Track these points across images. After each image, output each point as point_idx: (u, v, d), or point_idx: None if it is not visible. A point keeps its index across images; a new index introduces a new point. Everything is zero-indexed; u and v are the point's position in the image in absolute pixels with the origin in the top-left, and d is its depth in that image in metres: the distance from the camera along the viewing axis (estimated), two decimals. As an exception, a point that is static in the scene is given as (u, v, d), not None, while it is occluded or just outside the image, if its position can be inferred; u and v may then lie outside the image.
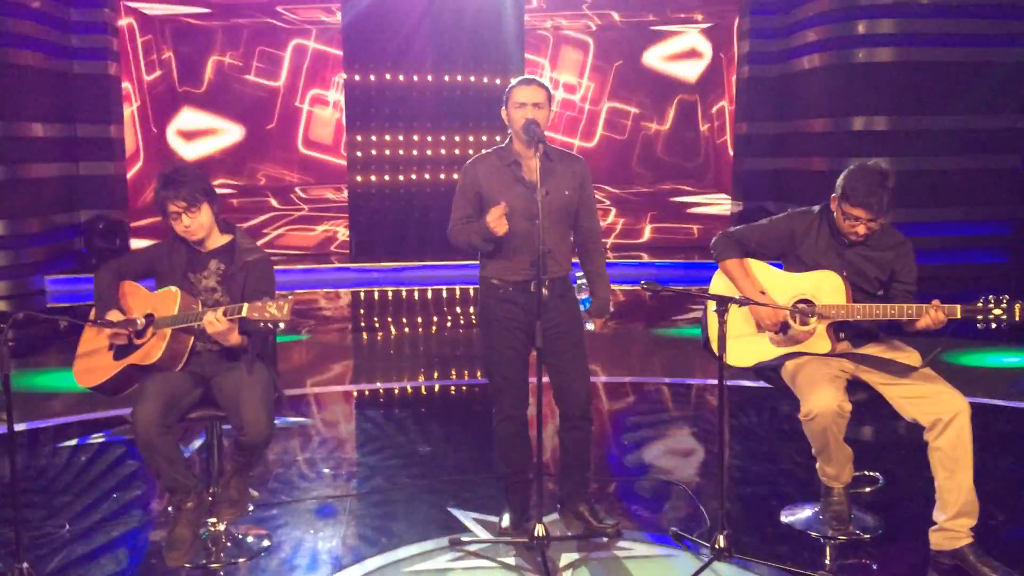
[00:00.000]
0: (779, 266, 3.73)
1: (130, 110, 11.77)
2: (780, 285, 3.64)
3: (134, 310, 3.42)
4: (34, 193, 9.95)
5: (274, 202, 13.51)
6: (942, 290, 3.42)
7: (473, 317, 8.87)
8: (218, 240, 3.49)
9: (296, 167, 13.80)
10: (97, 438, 4.97)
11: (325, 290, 10.27)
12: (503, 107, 3.55)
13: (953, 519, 3.30)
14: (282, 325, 3.06)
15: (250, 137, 13.68)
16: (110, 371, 3.36)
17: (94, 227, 10.83)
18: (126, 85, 11.61)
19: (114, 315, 3.36)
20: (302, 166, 13.80)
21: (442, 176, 12.17)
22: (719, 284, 3.74)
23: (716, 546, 3.25)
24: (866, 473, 3.97)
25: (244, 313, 3.09)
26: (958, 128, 10.20)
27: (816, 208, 3.68)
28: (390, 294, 10.21)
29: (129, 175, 11.58)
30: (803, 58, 11.17)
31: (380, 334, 8.36)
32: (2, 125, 9.40)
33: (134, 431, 3.16)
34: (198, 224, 3.38)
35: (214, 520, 3.45)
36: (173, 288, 3.37)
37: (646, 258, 11.45)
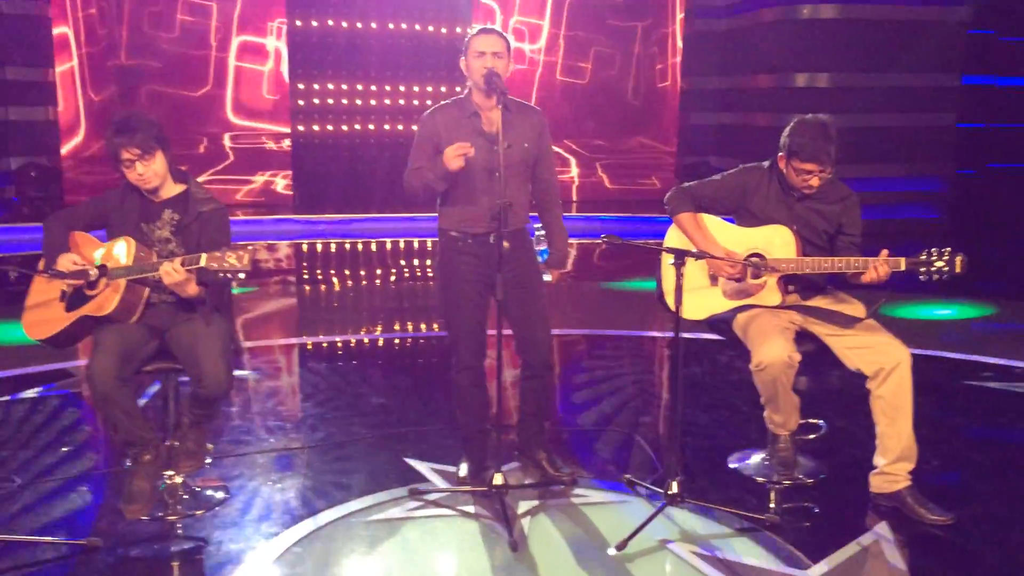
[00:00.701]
0: (731, 220, 3.81)
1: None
2: (732, 239, 3.71)
3: (85, 260, 3.33)
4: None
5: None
6: (878, 245, 3.53)
7: (419, 270, 8.87)
8: (172, 189, 3.41)
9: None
10: (29, 393, 4.86)
11: (270, 242, 10.13)
12: (462, 56, 3.52)
13: (893, 463, 3.46)
14: (242, 276, 3.02)
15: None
16: (62, 323, 3.29)
17: (26, 175, 10.45)
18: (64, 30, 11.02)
19: (66, 260, 3.27)
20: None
21: (386, 127, 12.02)
22: (673, 238, 3.81)
23: (668, 492, 3.36)
24: (810, 421, 4.12)
25: (203, 263, 3.04)
26: (896, 86, 10.43)
27: (766, 163, 3.75)
28: (333, 246, 10.11)
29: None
30: (750, 13, 11.25)
31: (326, 286, 8.30)
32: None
33: (90, 384, 3.11)
34: (152, 172, 3.30)
35: (171, 472, 3.43)
36: (127, 238, 3.30)
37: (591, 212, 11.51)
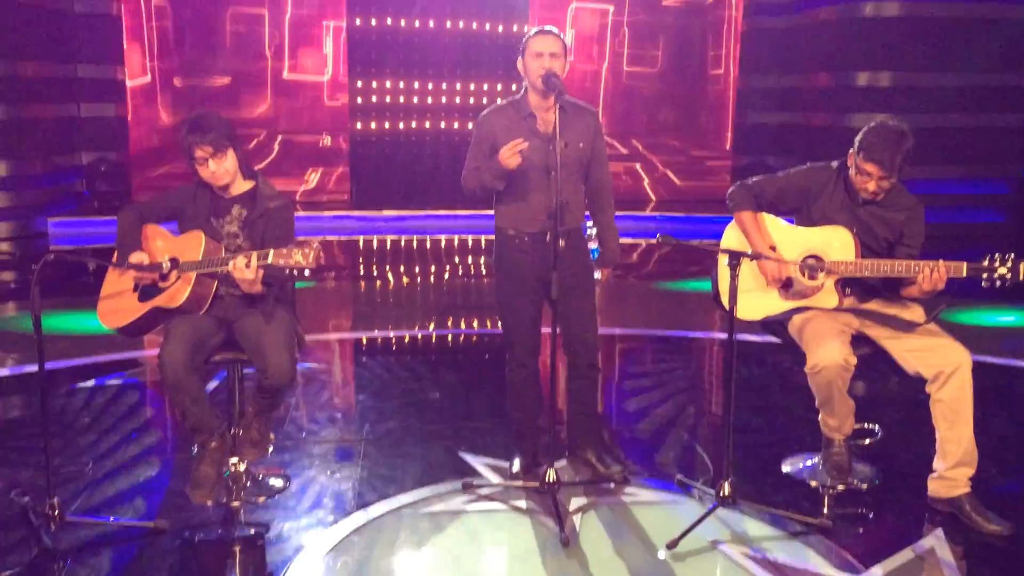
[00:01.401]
0: (791, 220, 3.79)
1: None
2: (791, 239, 3.70)
3: (157, 253, 3.47)
4: (35, 134, 9.91)
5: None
6: (941, 248, 3.49)
7: (474, 267, 8.95)
8: (241, 186, 3.53)
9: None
10: (113, 381, 5.06)
11: (328, 237, 10.31)
12: (519, 57, 3.57)
13: (953, 468, 3.42)
14: (307, 272, 3.11)
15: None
16: (135, 313, 3.43)
17: (96, 169, 10.81)
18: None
19: (138, 257, 3.42)
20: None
21: (442, 125, 12.13)
22: (731, 237, 3.81)
23: (720, 493, 3.37)
24: (865, 426, 4.09)
25: (270, 259, 3.15)
26: (962, 85, 10.19)
27: (835, 164, 3.72)
28: (389, 243, 10.25)
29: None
30: (809, 11, 11.09)
31: (382, 282, 8.43)
32: (2, 64, 9.32)
33: (161, 371, 3.25)
34: (224, 169, 3.42)
35: (235, 460, 3.55)
36: (198, 232, 3.42)
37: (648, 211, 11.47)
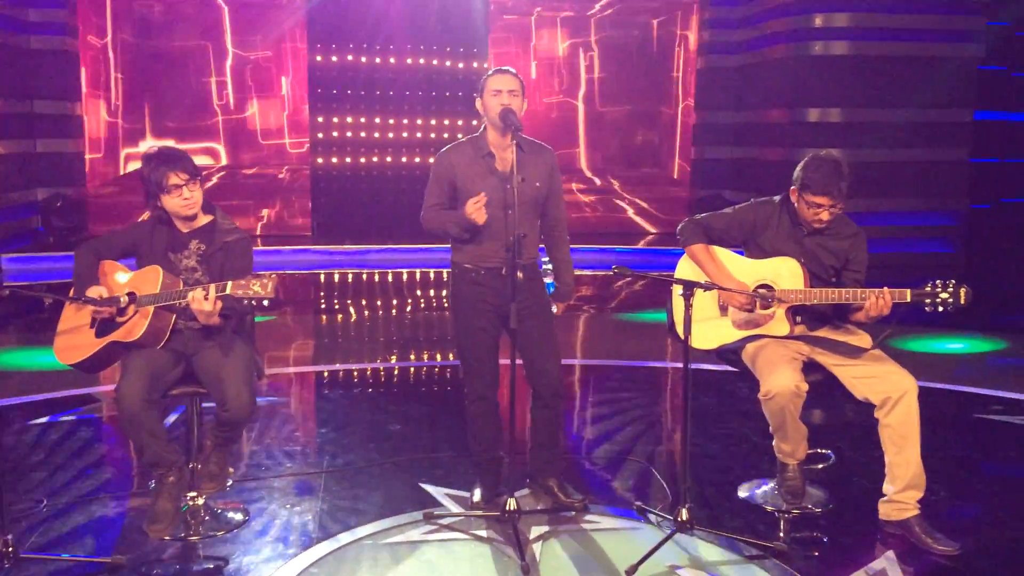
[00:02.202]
0: (740, 253, 3.90)
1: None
2: (742, 271, 3.81)
3: (114, 288, 3.47)
4: (-10, 170, 9.80)
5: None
6: (891, 278, 3.61)
7: (435, 300, 8.98)
8: (200, 220, 3.55)
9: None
10: (67, 417, 4.99)
11: (289, 272, 10.28)
12: (478, 96, 3.65)
13: (902, 491, 3.51)
14: (266, 302, 3.14)
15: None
16: (92, 348, 3.41)
17: (51, 205, 10.69)
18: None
19: (95, 291, 3.41)
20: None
21: (403, 159, 12.23)
22: (685, 269, 3.90)
23: (678, 519, 3.42)
24: (818, 451, 4.18)
25: (228, 290, 3.16)
26: (909, 121, 10.54)
27: (777, 198, 3.85)
28: (350, 277, 10.25)
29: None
30: (762, 49, 11.42)
31: (342, 316, 8.42)
32: (-42, 100, 9.24)
33: (119, 406, 3.23)
34: (196, 198, 3.44)
35: (193, 494, 3.53)
36: (155, 267, 3.43)
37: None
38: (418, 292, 9.56)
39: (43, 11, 10.62)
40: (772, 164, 11.02)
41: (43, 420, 4.92)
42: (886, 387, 3.54)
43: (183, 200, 3.42)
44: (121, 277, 3.53)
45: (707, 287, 3.55)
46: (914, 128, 10.57)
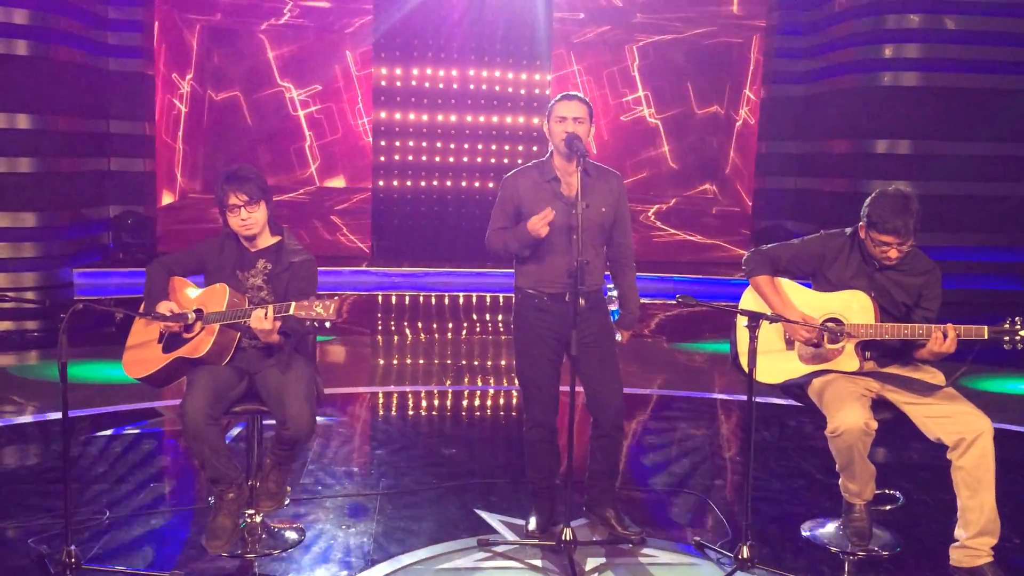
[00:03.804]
0: (808, 285, 3.82)
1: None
2: (809, 304, 3.72)
3: (183, 305, 3.53)
4: (65, 187, 10.13)
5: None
6: (961, 315, 3.50)
7: (492, 324, 8.98)
8: (267, 240, 3.61)
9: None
10: (132, 430, 5.09)
11: (347, 293, 10.39)
12: (544, 121, 3.66)
13: (975, 538, 3.37)
14: (328, 324, 3.16)
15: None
16: (159, 363, 3.47)
17: (122, 222, 11.00)
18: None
19: (165, 307, 3.48)
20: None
21: (463, 184, 12.32)
22: (749, 300, 3.83)
23: (739, 556, 3.33)
24: (886, 491, 4.04)
25: (292, 311, 3.20)
26: (979, 154, 10.27)
27: (849, 230, 3.76)
28: (407, 299, 10.32)
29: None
30: (828, 79, 11.26)
31: (399, 337, 8.47)
32: (38, 119, 9.59)
33: (182, 421, 3.28)
34: (254, 219, 3.50)
35: (252, 512, 3.56)
36: (222, 285, 3.49)
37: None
38: (474, 316, 9.58)
39: (121, 35, 10.99)
40: (836, 195, 10.83)
41: (109, 432, 5.03)
42: (960, 427, 3.41)
43: (240, 221, 3.49)
44: (190, 293, 3.59)
45: (773, 319, 3.48)
46: (986, 161, 10.29)
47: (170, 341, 3.50)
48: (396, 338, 8.48)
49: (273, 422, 3.44)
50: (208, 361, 3.42)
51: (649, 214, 12.84)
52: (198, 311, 3.45)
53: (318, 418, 5.30)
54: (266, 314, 3.24)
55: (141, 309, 3.58)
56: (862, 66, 10.57)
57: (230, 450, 3.42)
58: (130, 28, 11.03)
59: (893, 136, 10.42)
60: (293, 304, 3.23)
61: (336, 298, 3.21)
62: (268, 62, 12.37)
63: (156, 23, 11.44)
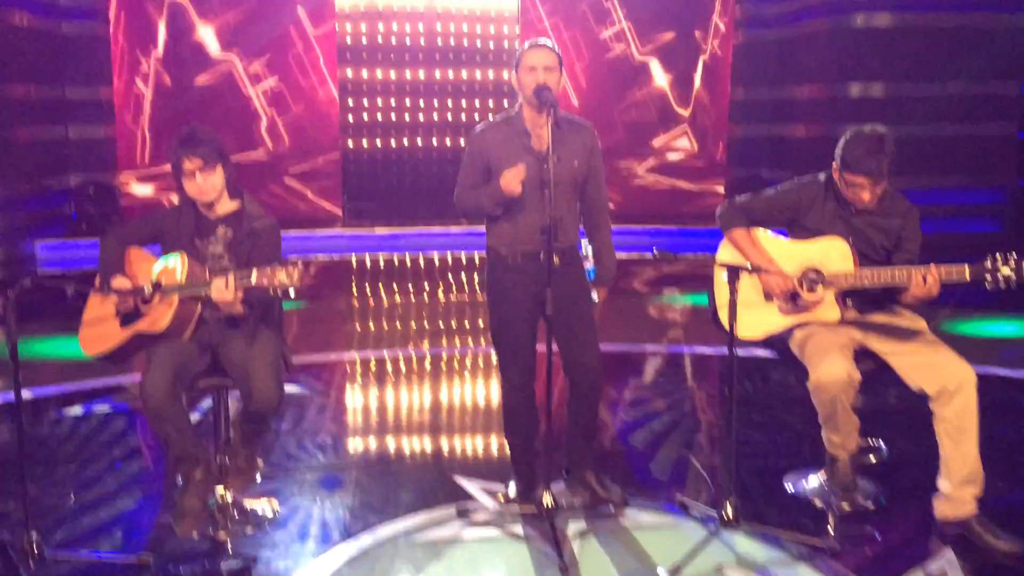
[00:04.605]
0: (784, 234, 3.72)
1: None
2: (787, 254, 3.62)
3: (140, 276, 3.38)
4: (23, 157, 9.80)
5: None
6: (937, 258, 3.42)
7: (468, 285, 8.85)
8: (227, 206, 3.44)
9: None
10: (99, 408, 4.94)
11: (319, 255, 10.21)
12: (513, 71, 3.49)
13: (958, 488, 3.33)
14: (292, 292, 3.02)
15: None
16: (117, 339, 3.33)
17: (84, 191, 10.70)
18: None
19: (120, 281, 3.32)
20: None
21: (434, 142, 12.11)
22: (725, 254, 3.73)
23: (723, 514, 3.27)
24: (869, 441, 4.00)
25: (253, 280, 3.05)
26: (955, 95, 10.18)
27: (822, 176, 3.66)
28: (382, 261, 10.16)
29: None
30: (801, 23, 11.08)
31: (374, 301, 8.33)
32: (-9, 87, 9.24)
33: (143, 400, 3.14)
34: (211, 184, 3.33)
35: (222, 489, 3.44)
36: (180, 254, 3.33)
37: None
38: (449, 277, 9.44)
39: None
40: (813, 141, 10.73)
41: (74, 411, 4.88)
42: (942, 377, 3.34)
43: (196, 186, 3.32)
44: (148, 265, 3.43)
45: (752, 271, 3.38)
46: (960, 102, 10.21)
47: (127, 315, 3.34)
48: (371, 301, 8.34)
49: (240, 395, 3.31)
50: (169, 335, 3.28)
51: (638, 169, 12.64)
52: (156, 283, 3.30)
53: (290, 388, 5.20)
54: (227, 283, 3.09)
55: (97, 283, 3.42)
56: (834, 8, 10.40)
57: (195, 427, 3.30)
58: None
59: (867, 79, 10.30)
60: (255, 272, 3.08)
61: (299, 264, 3.06)
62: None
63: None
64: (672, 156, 12.67)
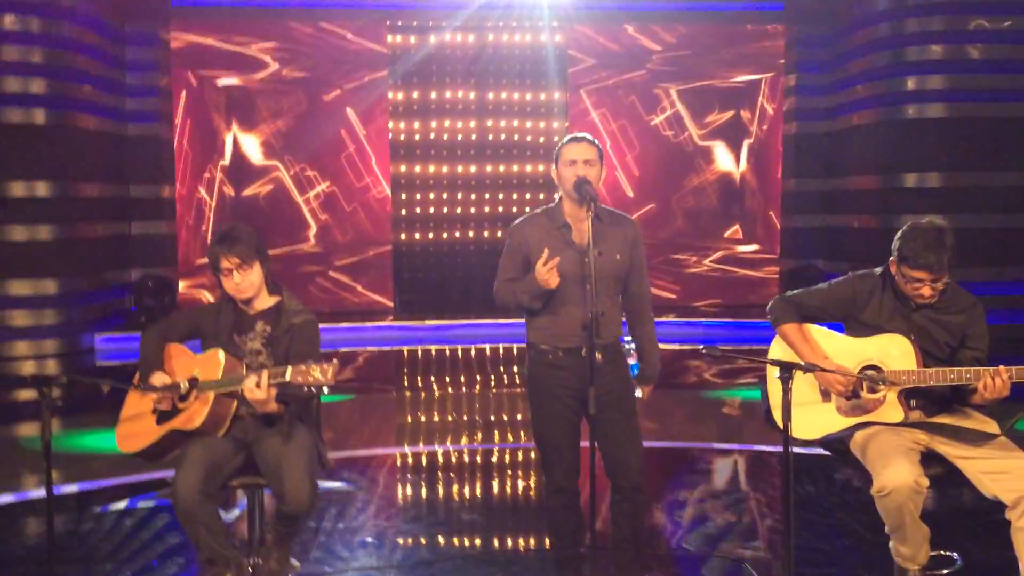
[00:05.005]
0: (840, 329, 3.56)
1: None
2: (843, 351, 3.46)
3: (178, 372, 3.36)
4: (86, 252, 10.11)
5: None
6: (996, 351, 3.25)
7: (518, 377, 8.73)
8: (266, 301, 3.43)
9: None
10: (145, 503, 4.88)
11: (370, 348, 10.21)
12: (553, 165, 3.47)
13: (1043, 605, 3.05)
14: (326, 390, 2.96)
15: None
16: (152, 436, 3.29)
17: (143, 285, 10.95)
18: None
19: (158, 378, 3.31)
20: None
21: (486, 234, 12.23)
22: (778, 351, 3.58)
23: (783, 630, 3.03)
24: (942, 553, 3.72)
25: (288, 377, 3.00)
26: (1012, 185, 9.96)
27: (878, 270, 3.52)
28: (434, 352, 10.12)
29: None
30: (852, 114, 11.04)
31: (425, 394, 8.25)
32: (59, 185, 9.60)
33: (174, 500, 3.08)
34: (248, 282, 3.33)
35: (254, 593, 3.33)
36: (218, 350, 3.30)
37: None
38: (489, 369, 9.34)
39: (139, 100, 11.06)
40: (866, 232, 10.53)
41: (118, 506, 4.83)
42: (1019, 484, 3.11)
43: (234, 284, 3.32)
44: (187, 361, 3.41)
45: (807, 369, 3.21)
46: (1017, 192, 9.96)
47: (164, 412, 3.31)
48: (422, 394, 8.25)
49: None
50: (204, 432, 3.23)
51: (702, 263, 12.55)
52: (192, 380, 3.27)
53: (334, 484, 5.10)
54: (258, 382, 3.04)
55: (136, 379, 3.41)
56: (885, 99, 10.35)
57: (228, 528, 3.21)
58: (147, 93, 11.09)
59: (921, 169, 10.14)
60: (289, 369, 3.03)
61: (334, 361, 3.01)
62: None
63: (173, 88, 11.50)
64: (741, 249, 12.60)
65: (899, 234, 3.36)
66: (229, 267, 3.30)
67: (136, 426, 3.36)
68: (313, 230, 12.21)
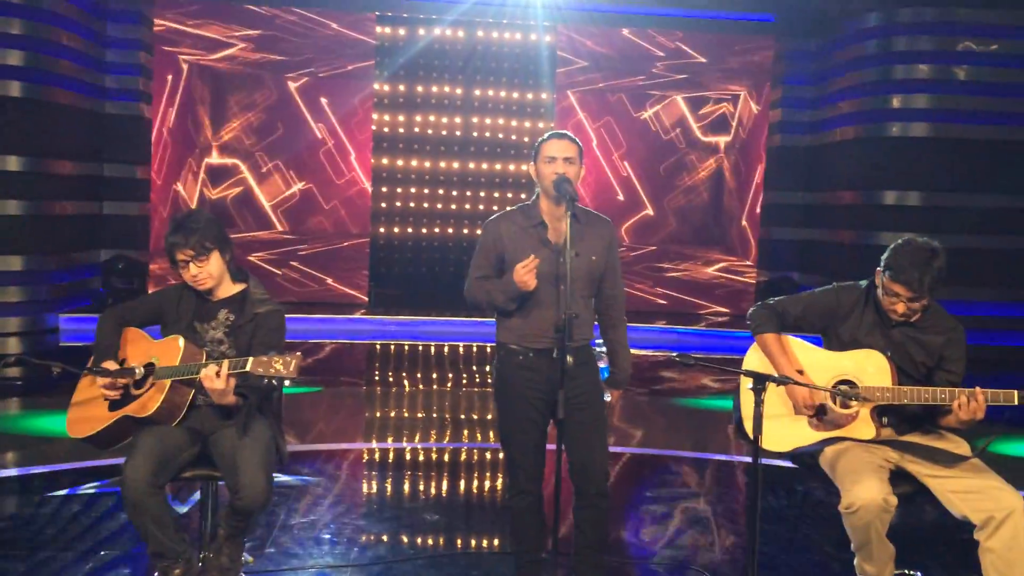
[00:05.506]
0: (818, 342, 3.51)
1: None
2: (820, 364, 3.40)
3: (135, 358, 3.24)
4: (55, 230, 9.89)
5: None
6: (972, 372, 3.21)
7: (490, 376, 8.64)
8: (229, 289, 3.32)
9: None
10: (90, 487, 4.75)
11: (340, 340, 10.08)
12: (532, 162, 3.39)
13: (1007, 631, 3.01)
14: (287, 382, 2.85)
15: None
16: (103, 422, 3.17)
17: (112, 267, 10.74)
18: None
19: (109, 366, 3.18)
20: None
21: (465, 231, 12.12)
22: (753, 359, 3.52)
23: (744, 646, 2.97)
24: (906, 572, 3.68)
25: (248, 368, 2.90)
26: (992, 207, 10.00)
27: (863, 283, 3.47)
28: (406, 347, 10.00)
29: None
30: (835, 130, 11.06)
31: (395, 389, 8.14)
32: (31, 160, 9.39)
33: (122, 490, 2.96)
34: (206, 273, 3.21)
35: (203, 588, 3.21)
36: (177, 337, 3.19)
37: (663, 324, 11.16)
38: (462, 367, 9.25)
39: (119, 77, 10.85)
40: (844, 247, 10.55)
41: (64, 492, 4.69)
42: (989, 505, 3.06)
43: (190, 276, 3.21)
44: (144, 346, 3.30)
45: (781, 381, 3.15)
46: (997, 214, 10.01)
47: (117, 399, 3.19)
48: (393, 389, 8.14)
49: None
50: (157, 420, 3.11)
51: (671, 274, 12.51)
52: (148, 365, 3.15)
53: (293, 479, 4.98)
54: (218, 372, 2.93)
55: (90, 363, 3.28)
56: (870, 116, 10.36)
57: (178, 520, 3.09)
58: (127, 71, 10.89)
59: (902, 187, 10.17)
60: (250, 360, 2.93)
61: (297, 354, 2.91)
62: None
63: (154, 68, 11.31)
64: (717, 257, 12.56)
65: (893, 245, 3.32)
66: (184, 259, 3.18)
67: (87, 411, 3.24)
68: (285, 219, 12.04)
